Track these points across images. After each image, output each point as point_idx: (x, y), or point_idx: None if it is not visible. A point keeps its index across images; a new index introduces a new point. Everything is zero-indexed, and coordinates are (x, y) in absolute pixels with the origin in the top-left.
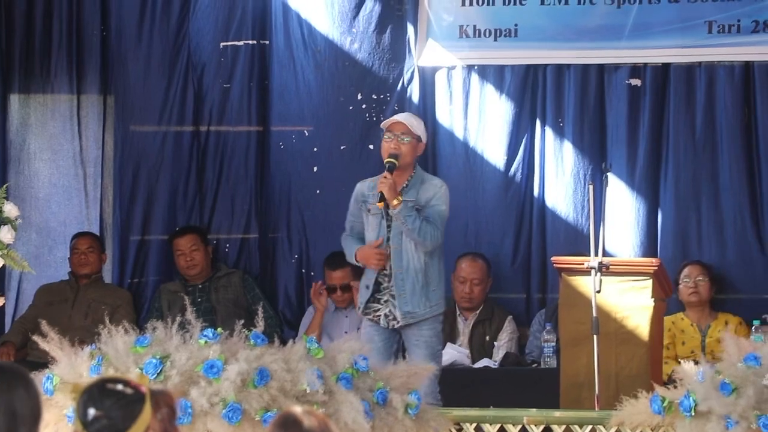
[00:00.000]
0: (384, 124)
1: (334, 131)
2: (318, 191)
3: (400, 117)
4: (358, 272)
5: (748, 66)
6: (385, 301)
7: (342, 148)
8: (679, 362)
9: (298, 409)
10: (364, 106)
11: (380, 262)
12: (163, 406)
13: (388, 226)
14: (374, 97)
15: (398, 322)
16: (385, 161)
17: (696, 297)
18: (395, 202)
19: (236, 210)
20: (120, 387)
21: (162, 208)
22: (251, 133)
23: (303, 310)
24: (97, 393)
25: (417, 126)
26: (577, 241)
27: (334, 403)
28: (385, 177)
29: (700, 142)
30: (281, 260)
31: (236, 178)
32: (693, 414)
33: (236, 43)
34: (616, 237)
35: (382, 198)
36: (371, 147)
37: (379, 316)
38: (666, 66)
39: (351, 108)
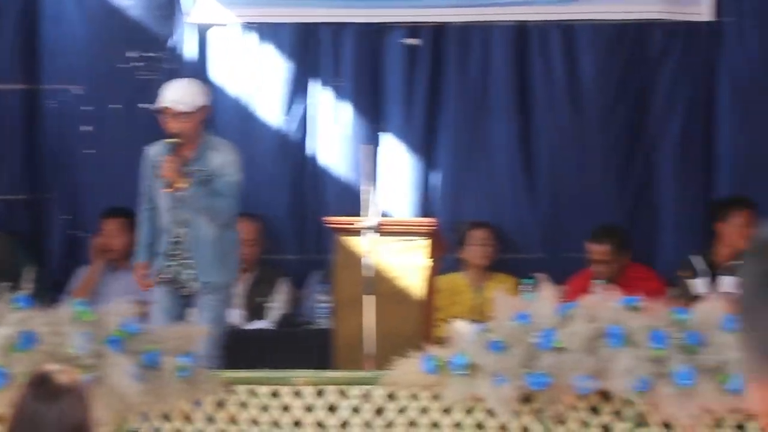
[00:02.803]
0: (152, 108)
1: (106, 90)
2: (91, 151)
3: (167, 99)
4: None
5: (522, 26)
6: (175, 267)
7: (114, 107)
8: (453, 322)
9: (51, 367)
10: (136, 64)
11: (143, 288)
12: None
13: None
14: (146, 55)
15: (191, 290)
16: (165, 143)
17: (486, 261)
18: (183, 185)
19: (4, 171)
20: None
21: None
22: (19, 91)
23: (73, 272)
24: None
25: (190, 97)
26: (354, 201)
27: (103, 366)
28: (168, 161)
29: (475, 102)
30: (51, 222)
31: (3, 138)
32: (464, 372)
33: None
34: (391, 197)
35: (170, 184)
36: (144, 106)
37: (167, 280)
38: (442, 26)
39: (123, 66)
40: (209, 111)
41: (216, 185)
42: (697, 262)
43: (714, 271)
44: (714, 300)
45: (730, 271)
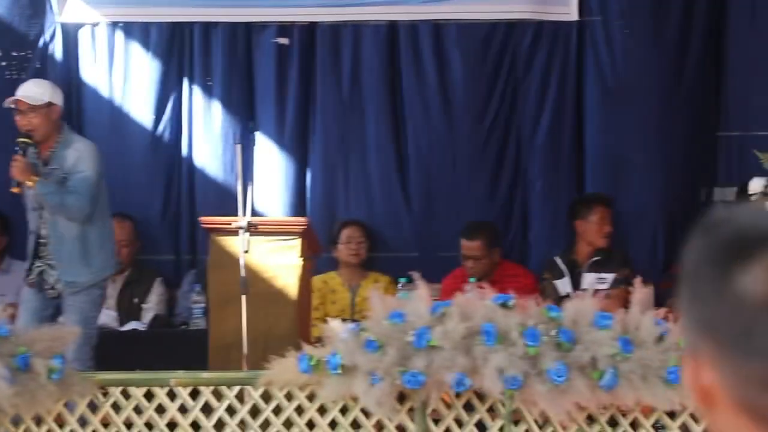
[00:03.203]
0: (5, 104)
1: None
2: None
3: (18, 92)
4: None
5: (393, 25)
6: (41, 267)
7: None
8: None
9: None
10: (3, 63)
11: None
12: None
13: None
14: (14, 54)
15: (56, 291)
16: (17, 141)
17: (356, 259)
18: (30, 183)
19: None
20: None
21: None
22: None
23: None
24: None
25: (41, 93)
26: (227, 201)
27: None
28: (16, 159)
29: (347, 101)
30: None
31: None
32: (340, 371)
33: None
34: (265, 197)
35: (18, 183)
36: (13, 107)
37: (34, 281)
38: (313, 25)
39: None
40: (60, 111)
41: (69, 182)
42: (559, 262)
43: (575, 270)
44: (585, 297)
45: (591, 269)
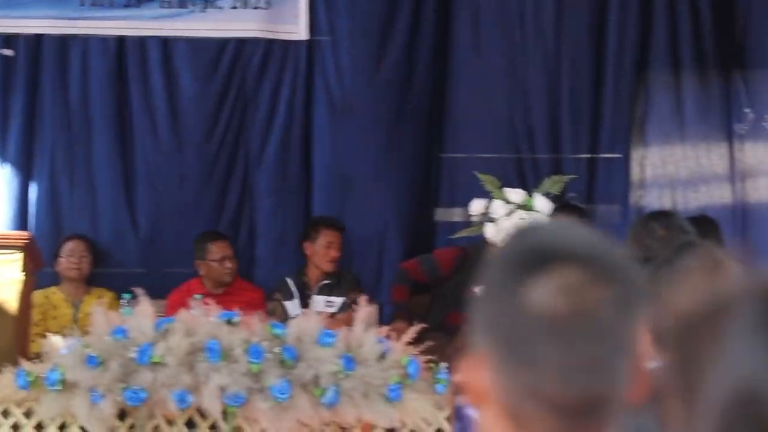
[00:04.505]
0: None
1: None
2: None
3: None
4: None
5: (121, 40)
6: None
7: None
8: (49, 337)
9: None
10: None
11: None
12: None
13: None
14: None
15: None
16: None
17: (78, 273)
18: None
19: None
20: None
21: None
22: None
23: None
24: None
25: None
26: None
27: None
28: None
29: (74, 114)
30: None
31: None
32: (59, 388)
33: None
34: None
35: None
36: None
37: None
38: (39, 37)
39: None
40: None
41: None
42: (291, 283)
43: (306, 292)
44: (309, 315)
45: (321, 291)
